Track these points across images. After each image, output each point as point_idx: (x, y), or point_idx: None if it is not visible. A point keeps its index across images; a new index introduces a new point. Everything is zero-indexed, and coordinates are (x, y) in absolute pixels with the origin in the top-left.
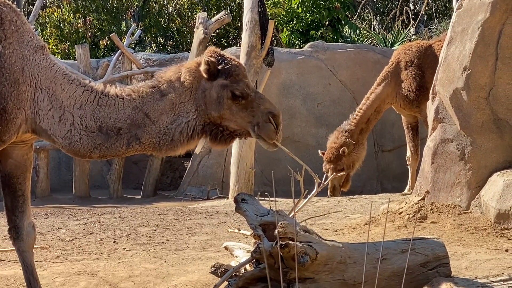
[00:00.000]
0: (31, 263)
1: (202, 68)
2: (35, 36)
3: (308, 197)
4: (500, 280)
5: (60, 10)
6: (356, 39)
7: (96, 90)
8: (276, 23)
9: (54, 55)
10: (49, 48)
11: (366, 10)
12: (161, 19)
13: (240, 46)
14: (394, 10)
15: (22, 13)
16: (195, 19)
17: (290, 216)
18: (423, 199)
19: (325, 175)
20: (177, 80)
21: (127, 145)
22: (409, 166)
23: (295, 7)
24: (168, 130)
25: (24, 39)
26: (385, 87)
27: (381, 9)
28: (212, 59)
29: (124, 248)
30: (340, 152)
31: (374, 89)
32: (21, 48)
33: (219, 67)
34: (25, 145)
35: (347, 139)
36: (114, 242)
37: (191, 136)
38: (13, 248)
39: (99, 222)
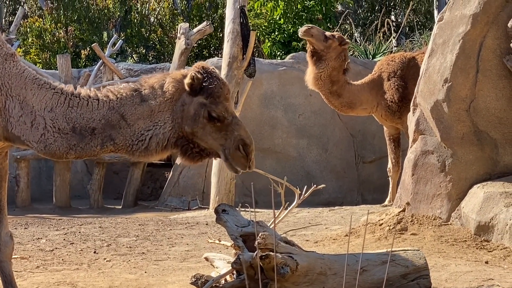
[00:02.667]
0: (10, 272)
1: (186, 81)
2: (4, 44)
3: (289, 209)
4: None
5: (41, 20)
6: None
7: (66, 92)
8: (258, 34)
9: (35, 65)
10: (30, 57)
11: (348, 22)
12: (143, 29)
13: (221, 56)
14: (375, 22)
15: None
16: (177, 29)
17: (271, 227)
18: (404, 210)
19: (305, 187)
20: (160, 88)
21: (102, 145)
22: (390, 178)
23: (277, 18)
24: (143, 136)
25: None
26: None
27: (363, 21)
28: (199, 75)
29: (105, 259)
30: (335, 37)
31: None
32: None
33: (203, 84)
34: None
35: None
36: (95, 252)
37: (165, 147)
38: None
39: (79, 232)
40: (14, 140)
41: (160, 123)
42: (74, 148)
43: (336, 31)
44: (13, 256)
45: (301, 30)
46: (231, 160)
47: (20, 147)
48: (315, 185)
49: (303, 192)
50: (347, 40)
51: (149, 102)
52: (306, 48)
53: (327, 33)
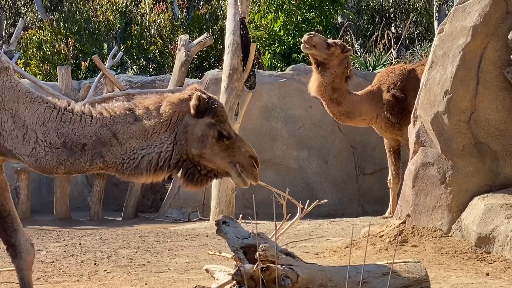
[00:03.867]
0: (29, 281)
1: (192, 103)
2: None
3: (291, 222)
4: None
5: (41, 32)
6: None
7: (59, 107)
8: (258, 46)
9: (36, 77)
10: (30, 69)
11: (348, 33)
12: (143, 41)
13: (222, 68)
14: (376, 34)
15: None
16: (177, 41)
17: (272, 239)
18: (404, 222)
19: (307, 201)
20: (156, 109)
21: (91, 161)
22: (390, 190)
23: (277, 30)
24: (135, 155)
25: None
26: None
27: (363, 33)
28: (204, 96)
29: (105, 270)
30: (338, 44)
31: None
32: None
33: (207, 104)
34: None
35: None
36: (95, 264)
37: (160, 167)
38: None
39: (79, 244)
40: (6, 153)
41: (155, 143)
42: (63, 163)
43: None
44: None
45: (303, 40)
46: (246, 175)
47: (11, 161)
48: (317, 200)
49: (305, 206)
50: (349, 47)
51: (142, 122)
52: (311, 58)
53: (329, 41)
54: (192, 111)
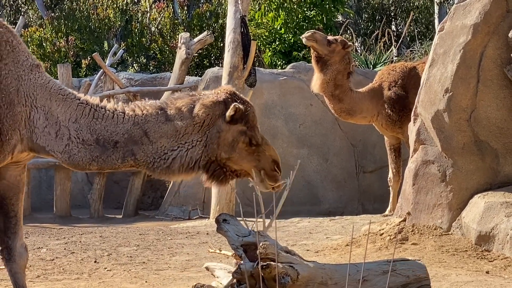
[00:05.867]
0: (23, 284)
1: (229, 113)
2: (30, 55)
3: (280, 204)
4: None
5: (42, 30)
6: None
7: (91, 104)
8: (259, 43)
9: None
10: None
11: (348, 32)
12: (143, 39)
13: (222, 66)
14: (376, 32)
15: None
16: (178, 39)
17: (264, 231)
18: (404, 220)
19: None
20: (189, 111)
21: (123, 159)
22: (390, 188)
23: (278, 28)
24: (166, 155)
25: (20, 59)
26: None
27: (363, 31)
28: (241, 106)
29: (105, 268)
30: (338, 40)
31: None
32: (16, 69)
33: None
34: (19, 166)
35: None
36: (95, 262)
37: (190, 168)
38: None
39: (80, 241)
40: (38, 150)
41: (187, 145)
42: (96, 160)
43: None
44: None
45: (304, 36)
46: (268, 179)
47: (44, 157)
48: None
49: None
50: (350, 43)
51: (174, 122)
52: (311, 54)
53: (330, 37)
54: (227, 118)
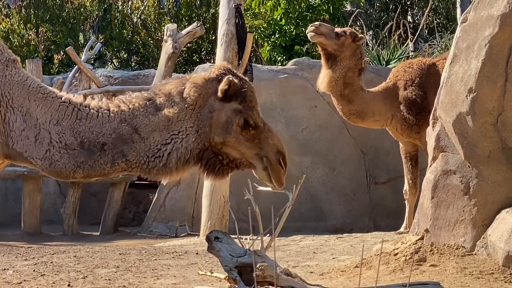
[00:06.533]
0: None
1: (221, 87)
2: (5, 49)
3: (284, 215)
4: None
5: (8, 20)
6: None
7: (74, 103)
8: (256, 36)
9: None
10: None
11: (358, 23)
12: (124, 31)
13: (214, 62)
14: (390, 23)
15: None
16: (163, 31)
17: (262, 250)
18: (422, 238)
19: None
20: (179, 94)
21: (112, 162)
22: (406, 201)
23: (278, 18)
24: (160, 152)
25: None
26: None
27: (375, 22)
28: (236, 80)
29: None
30: (347, 33)
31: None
32: None
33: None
34: None
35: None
36: (69, 285)
37: (186, 161)
38: None
39: (51, 262)
40: (15, 157)
41: (181, 135)
42: (81, 166)
43: None
44: None
45: (309, 31)
46: (272, 173)
47: (21, 165)
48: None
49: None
50: (361, 35)
51: (165, 111)
52: (320, 51)
53: (338, 30)
54: (219, 94)
